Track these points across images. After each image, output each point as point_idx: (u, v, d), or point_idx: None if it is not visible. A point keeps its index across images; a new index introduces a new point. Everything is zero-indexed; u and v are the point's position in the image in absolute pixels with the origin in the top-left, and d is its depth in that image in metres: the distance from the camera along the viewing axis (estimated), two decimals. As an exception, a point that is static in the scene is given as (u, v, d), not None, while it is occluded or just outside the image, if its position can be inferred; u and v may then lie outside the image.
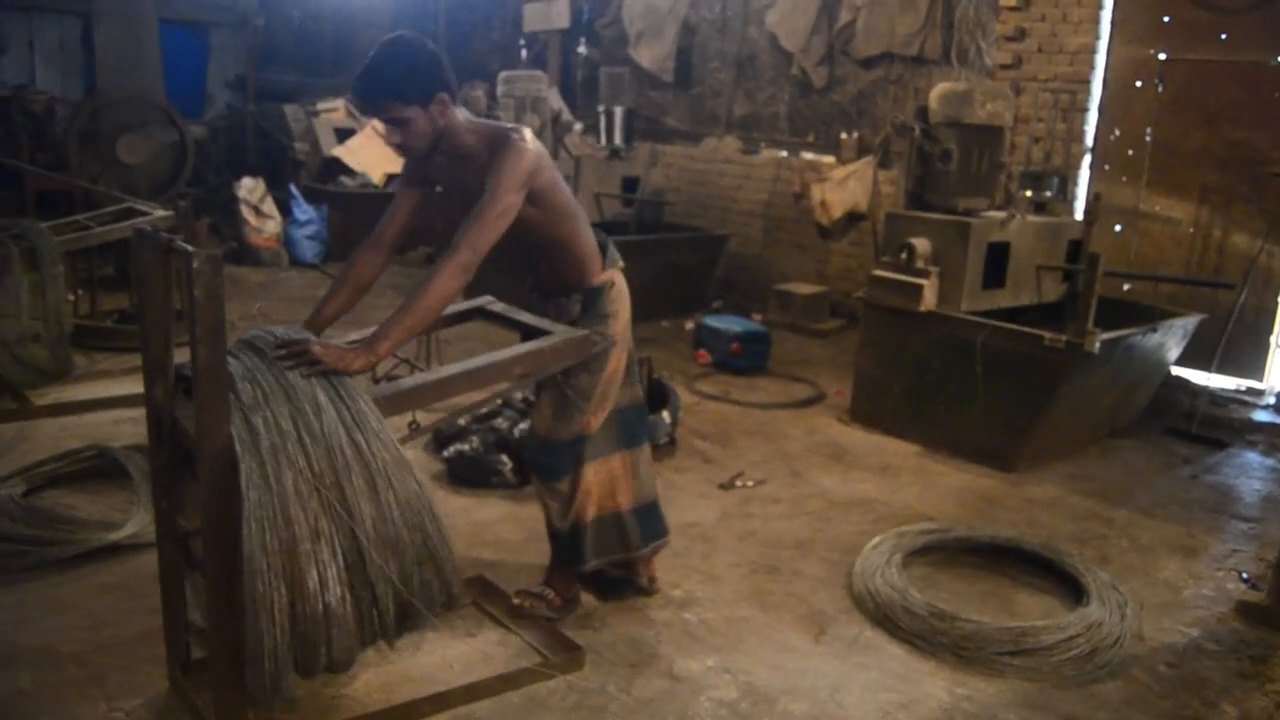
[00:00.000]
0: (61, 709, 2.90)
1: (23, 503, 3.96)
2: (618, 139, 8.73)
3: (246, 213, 9.77)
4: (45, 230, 5.46)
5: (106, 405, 5.36)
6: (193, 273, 2.30)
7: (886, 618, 3.62)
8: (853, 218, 8.51)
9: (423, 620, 2.67)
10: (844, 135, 8.58)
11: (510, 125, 3.24)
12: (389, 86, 2.94)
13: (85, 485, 4.38)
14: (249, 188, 9.91)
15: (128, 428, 5.06)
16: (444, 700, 2.99)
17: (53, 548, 3.71)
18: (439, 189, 3.35)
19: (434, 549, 2.60)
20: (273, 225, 9.87)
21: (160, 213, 6.10)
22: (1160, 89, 6.78)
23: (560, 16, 11.08)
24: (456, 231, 2.99)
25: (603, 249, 3.46)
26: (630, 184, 8.73)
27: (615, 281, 3.42)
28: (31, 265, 5.27)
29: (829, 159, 8.75)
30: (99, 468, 4.44)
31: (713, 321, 7.17)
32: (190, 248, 2.32)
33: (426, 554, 2.59)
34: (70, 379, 5.64)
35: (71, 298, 6.43)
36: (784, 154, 9.18)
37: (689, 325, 7.73)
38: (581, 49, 11.32)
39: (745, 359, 6.84)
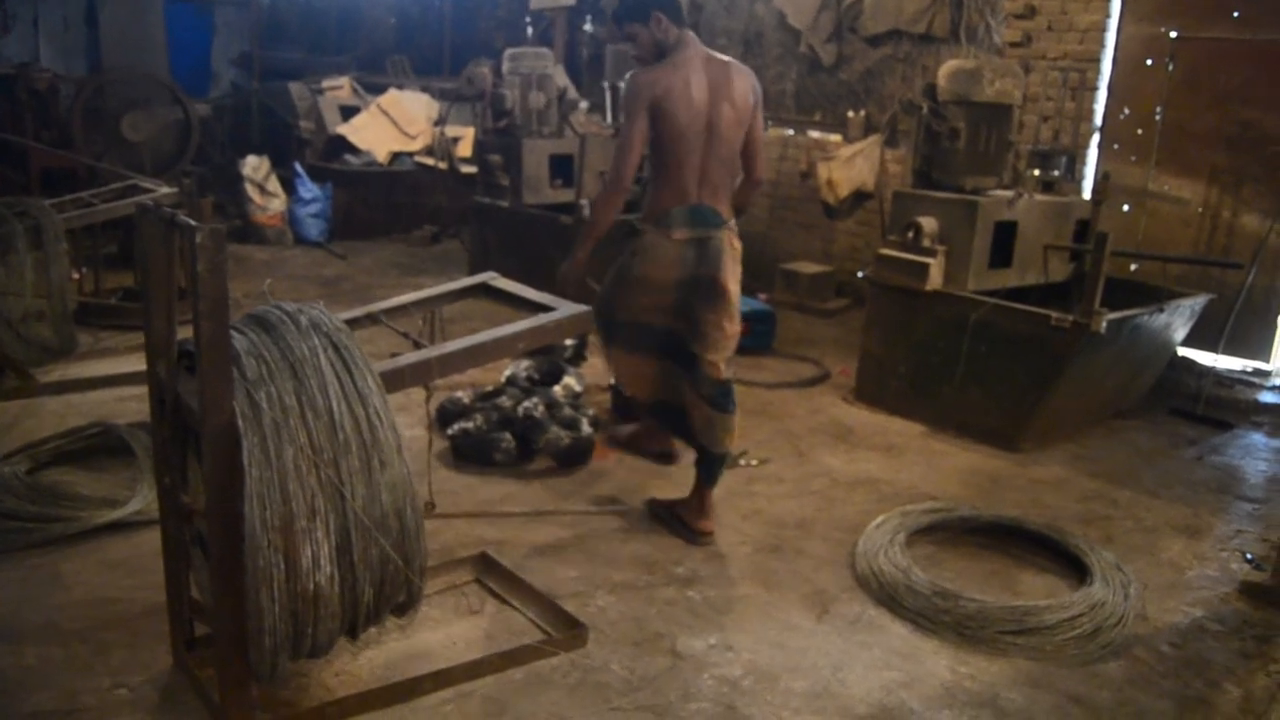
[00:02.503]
0: (66, 685, 2.91)
1: (27, 480, 3.97)
2: (623, 117, 8.66)
3: (251, 191, 9.75)
4: (49, 208, 5.45)
5: (110, 383, 5.37)
6: (196, 247, 2.29)
7: (890, 597, 3.62)
8: (859, 196, 8.47)
9: (383, 615, 2.66)
10: (851, 113, 8.53)
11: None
12: (620, 12, 4.14)
13: (89, 462, 4.39)
14: (254, 166, 9.89)
15: (132, 405, 5.06)
16: (446, 677, 2.99)
17: (57, 525, 3.72)
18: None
19: (407, 539, 2.57)
20: (277, 203, 9.86)
21: (165, 190, 6.08)
22: (1171, 67, 6.72)
23: (566, -7, 11.03)
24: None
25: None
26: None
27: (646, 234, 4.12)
28: (36, 243, 5.26)
29: (836, 137, 8.70)
30: (103, 445, 4.45)
31: (718, 301, 7.13)
32: (193, 222, 2.31)
33: (401, 543, 2.56)
34: (74, 357, 5.64)
35: (76, 275, 6.43)
36: (790, 132, 9.13)
37: (694, 304, 7.70)
38: (588, 26, 11.26)
39: (750, 338, 6.78)
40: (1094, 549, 3.99)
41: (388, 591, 2.59)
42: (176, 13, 12.18)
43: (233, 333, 2.49)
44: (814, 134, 8.94)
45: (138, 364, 5.32)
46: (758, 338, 6.84)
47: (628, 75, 4.13)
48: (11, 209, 5.35)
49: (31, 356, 5.40)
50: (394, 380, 2.76)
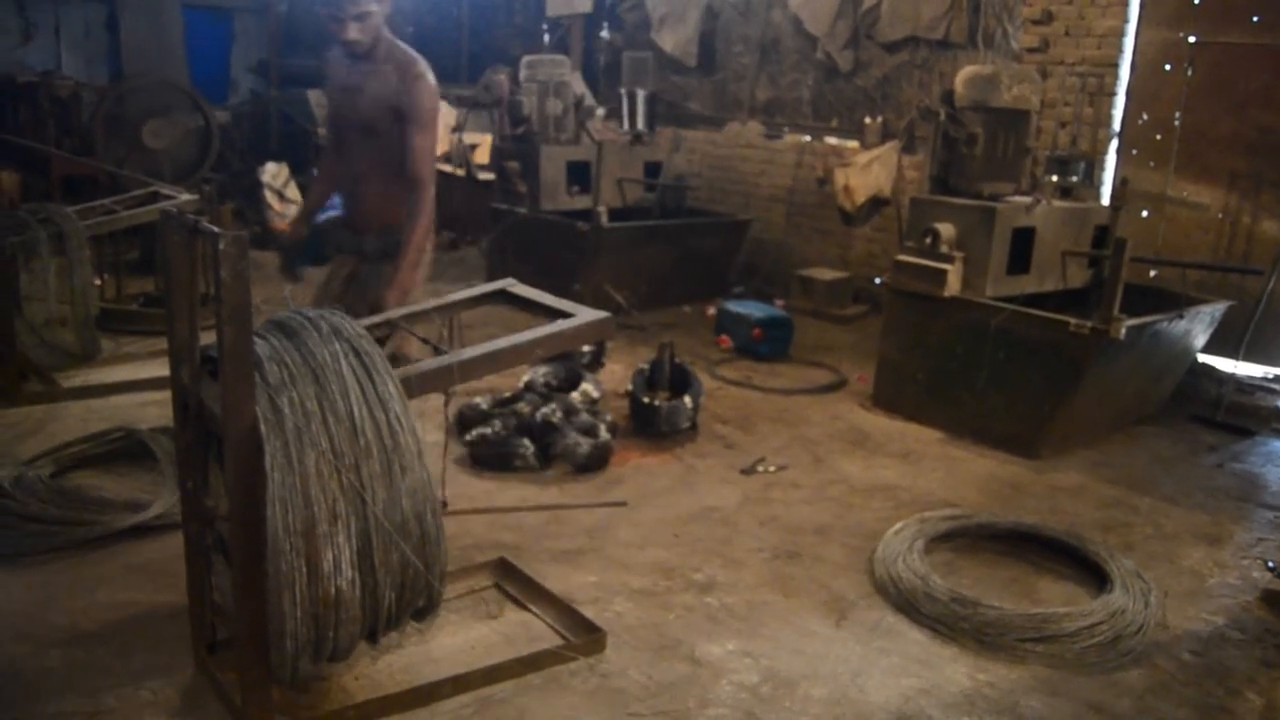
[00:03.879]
0: (89, 686, 2.93)
1: (51, 484, 4.01)
2: (640, 124, 8.70)
3: (270, 197, 9.82)
4: (72, 215, 5.50)
5: (132, 388, 5.41)
6: (219, 254, 2.31)
7: (908, 603, 3.61)
8: (876, 203, 8.46)
9: (403, 620, 2.68)
10: (868, 120, 8.52)
11: (415, 52, 3.89)
12: None
13: (112, 466, 4.42)
14: (272, 172, 9.96)
15: (153, 410, 5.10)
16: (465, 682, 3.00)
17: (80, 528, 3.75)
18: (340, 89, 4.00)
19: (428, 544, 2.58)
20: (295, 210, 9.90)
21: (185, 197, 6.13)
22: (1190, 72, 6.69)
23: (583, 1, 11.05)
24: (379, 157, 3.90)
25: None
26: (653, 169, 8.71)
27: None
28: (58, 249, 5.31)
29: (853, 144, 8.69)
30: (125, 449, 4.49)
31: (735, 307, 7.16)
32: (216, 229, 2.33)
33: (421, 548, 2.57)
34: (96, 362, 5.69)
35: (98, 281, 6.49)
36: (807, 139, 9.13)
37: (711, 311, 7.72)
38: (604, 33, 11.29)
39: (767, 344, 6.83)
40: (1114, 556, 3.97)
41: (408, 596, 2.60)
42: (195, 21, 12.27)
43: (255, 338, 2.50)
44: (831, 140, 8.93)
45: (159, 369, 5.40)
46: (775, 344, 6.85)
47: (423, 70, 3.84)
48: (35, 215, 5.40)
49: (55, 361, 5.46)
50: (414, 386, 2.78)
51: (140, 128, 9.13)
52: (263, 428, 2.39)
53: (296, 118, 11.67)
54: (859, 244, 8.69)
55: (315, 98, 11.38)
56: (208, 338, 2.75)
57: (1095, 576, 3.91)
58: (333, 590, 2.42)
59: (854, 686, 3.16)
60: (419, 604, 2.68)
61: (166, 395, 5.16)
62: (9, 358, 5.13)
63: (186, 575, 2.99)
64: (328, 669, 2.95)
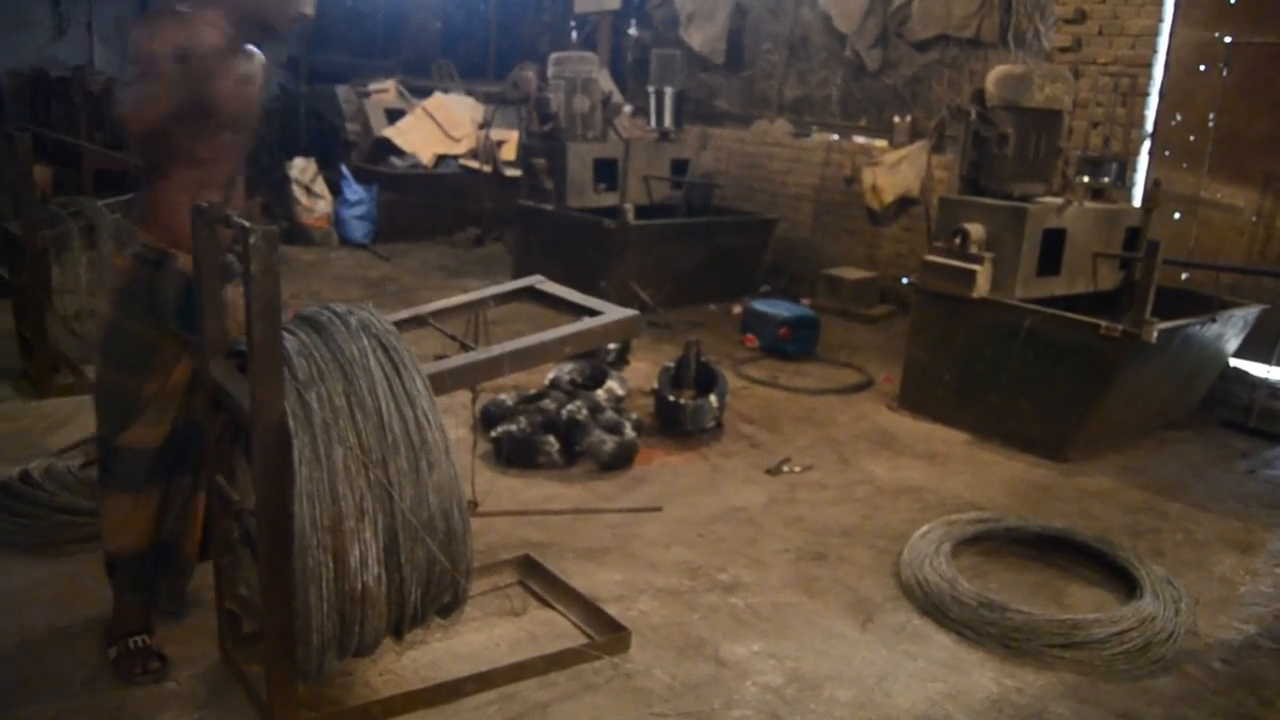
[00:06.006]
0: (117, 678, 2.95)
1: (80, 475, 4.04)
2: (668, 121, 8.68)
3: (298, 192, 9.86)
4: (103, 208, 5.53)
5: (161, 381, 5.44)
6: (250, 249, 2.31)
7: (935, 606, 3.58)
8: (904, 202, 8.41)
9: (429, 616, 2.68)
10: (897, 119, 8.47)
11: None
12: None
13: (140, 459, 4.44)
14: (300, 168, 10.00)
15: (181, 403, 5.13)
16: (489, 679, 3.00)
17: (109, 519, 3.77)
18: None
19: (454, 541, 2.58)
20: (323, 205, 9.96)
21: (215, 191, 6.15)
22: (1225, 73, 6.60)
23: (611, -2, 11.06)
24: None
25: None
26: (680, 166, 8.70)
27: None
28: (89, 242, 5.35)
29: (881, 143, 8.65)
30: (153, 442, 4.50)
31: (761, 306, 7.13)
32: (247, 223, 2.34)
33: (447, 544, 2.57)
34: (126, 354, 5.71)
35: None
36: (835, 137, 9.09)
37: (737, 309, 7.70)
38: (632, 30, 11.28)
39: (793, 344, 6.80)
40: (1143, 562, 3.92)
41: (434, 592, 2.60)
42: (226, 17, 12.33)
43: (283, 333, 2.51)
44: (859, 139, 8.89)
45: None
46: (800, 343, 6.82)
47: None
48: (67, 209, 5.44)
49: (84, 354, 5.48)
50: (442, 382, 2.78)
51: (171, 122, 9.18)
52: (291, 423, 2.39)
53: (325, 113, 11.73)
54: (886, 243, 8.64)
55: (344, 94, 11.44)
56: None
57: (1125, 582, 3.86)
58: (359, 586, 2.42)
59: (879, 690, 3.14)
60: (444, 600, 2.68)
61: (195, 388, 5.19)
62: (41, 350, 5.18)
63: (213, 568, 3.00)
64: (352, 664, 2.95)
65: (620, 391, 5.31)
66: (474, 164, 10.65)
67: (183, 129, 2.78)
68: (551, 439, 4.72)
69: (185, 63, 2.68)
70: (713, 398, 5.22)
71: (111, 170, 8.83)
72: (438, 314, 3.42)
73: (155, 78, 2.64)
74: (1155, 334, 4.74)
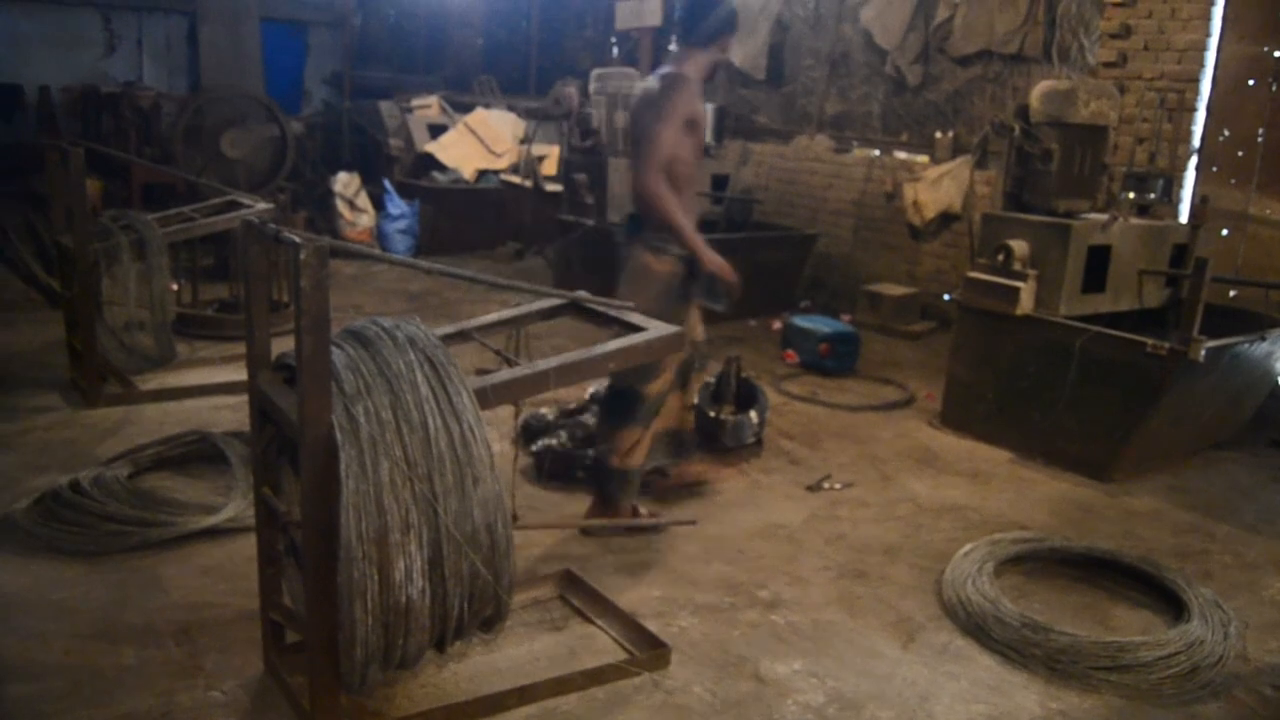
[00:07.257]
0: (162, 686, 2.98)
1: (128, 484, 4.10)
2: (708, 136, 8.67)
3: (341, 206, 9.99)
4: (152, 222, 5.63)
5: (206, 391, 5.52)
6: (299, 264, 2.34)
7: (978, 627, 3.54)
8: (946, 219, 8.36)
9: (471, 630, 2.68)
10: (939, 134, 8.43)
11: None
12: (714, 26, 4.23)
13: (187, 469, 4.51)
14: (344, 182, 10.13)
15: (226, 414, 5.20)
16: (530, 693, 3.01)
17: (155, 529, 3.83)
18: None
19: (497, 555, 2.58)
20: (366, 219, 10.08)
21: (261, 205, 6.25)
22: (1274, 88, 6.52)
23: (652, 14, 11.08)
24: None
25: None
26: (720, 182, 8.71)
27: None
28: (138, 255, 5.44)
29: (923, 158, 8.61)
30: (199, 452, 4.57)
31: (801, 322, 7.11)
32: (298, 239, 2.37)
33: (490, 558, 2.58)
34: (172, 365, 5.81)
35: (174, 287, 6.64)
36: (876, 153, 9.06)
37: (777, 325, 7.68)
38: (673, 47, 11.30)
39: (834, 360, 6.77)
40: (1191, 584, 3.86)
41: (476, 606, 2.61)
42: (271, 34, 12.55)
43: (331, 347, 2.54)
44: (900, 155, 8.86)
45: (232, 374, 5.52)
46: (841, 359, 6.79)
47: (668, 72, 4.19)
48: (117, 222, 5.54)
49: (133, 364, 5.59)
50: (487, 397, 2.79)
51: (219, 137, 9.34)
52: (338, 436, 2.42)
53: (368, 128, 11.87)
54: (927, 259, 8.59)
55: (387, 109, 11.58)
56: (280, 344, 2.80)
57: (1172, 605, 3.80)
58: (403, 599, 2.44)
59: (922, 711, 3.11)
60: (486, 614, 2.69)
61: (239, 399, 5.28)
62: (90, 360, 5.27)
63: (258, 579, 3.03)
64: (395, 676, 2.97)
65: (660, 406, 5.30)
66: (515, 179, 10.72)
67: (685, 167, 4.15)
68: (590, 454, 4.72)
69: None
70: (753, 414, 5.21)
71: (159, 184, 8.99)
72: (482, 329, 3.44)
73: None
74: (1203, 352, 4.68)
